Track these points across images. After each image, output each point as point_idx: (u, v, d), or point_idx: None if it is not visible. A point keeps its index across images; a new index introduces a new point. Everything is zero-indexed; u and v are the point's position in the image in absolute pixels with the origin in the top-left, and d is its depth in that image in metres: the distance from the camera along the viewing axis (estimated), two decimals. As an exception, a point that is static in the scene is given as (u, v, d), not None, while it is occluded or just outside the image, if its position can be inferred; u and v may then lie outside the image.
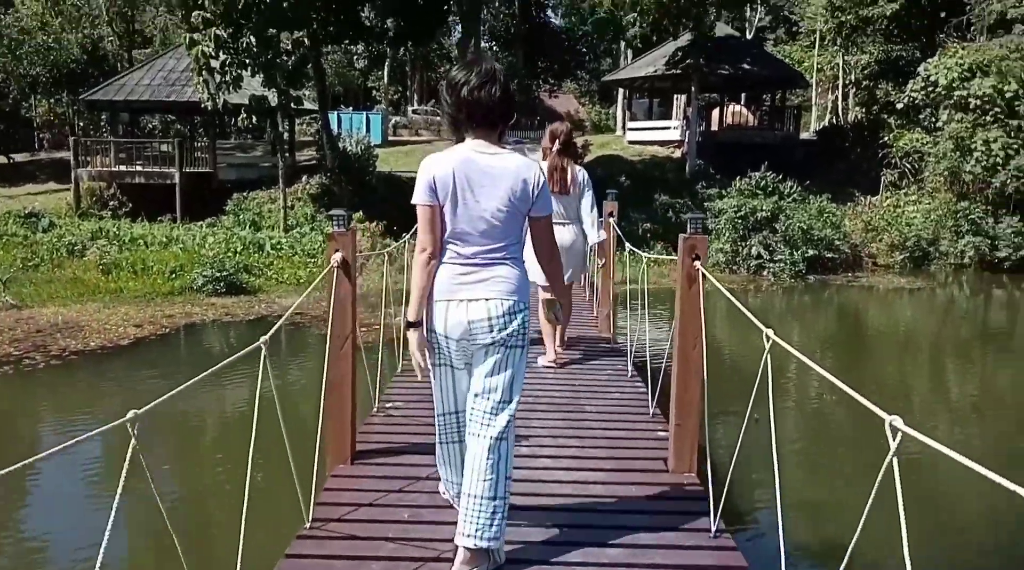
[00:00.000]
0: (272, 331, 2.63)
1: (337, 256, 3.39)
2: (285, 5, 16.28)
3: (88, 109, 27.54)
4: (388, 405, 4.56)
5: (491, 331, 2.65)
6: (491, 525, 2.56)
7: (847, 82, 34.60)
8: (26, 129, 32.49)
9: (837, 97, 36.18)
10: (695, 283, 3.28)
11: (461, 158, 2.67)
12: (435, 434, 2.97)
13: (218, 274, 14.29)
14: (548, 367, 5.52)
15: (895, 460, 1.52)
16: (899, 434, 1.52)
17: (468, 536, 2.57)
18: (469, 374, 2.76)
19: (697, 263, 3.24)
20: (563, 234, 5.45)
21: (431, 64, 43.62)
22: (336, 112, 30.93)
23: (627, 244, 6.07)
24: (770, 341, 2.32)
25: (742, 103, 30.83)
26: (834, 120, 34.34)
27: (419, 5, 20.38)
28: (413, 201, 2.71)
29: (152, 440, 6.93)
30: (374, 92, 43.38)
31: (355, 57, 38.50)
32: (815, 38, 34.57)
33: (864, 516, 1.71)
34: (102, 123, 28.16)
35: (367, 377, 4.27)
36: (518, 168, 2.68)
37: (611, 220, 6.80)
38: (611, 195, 7.08)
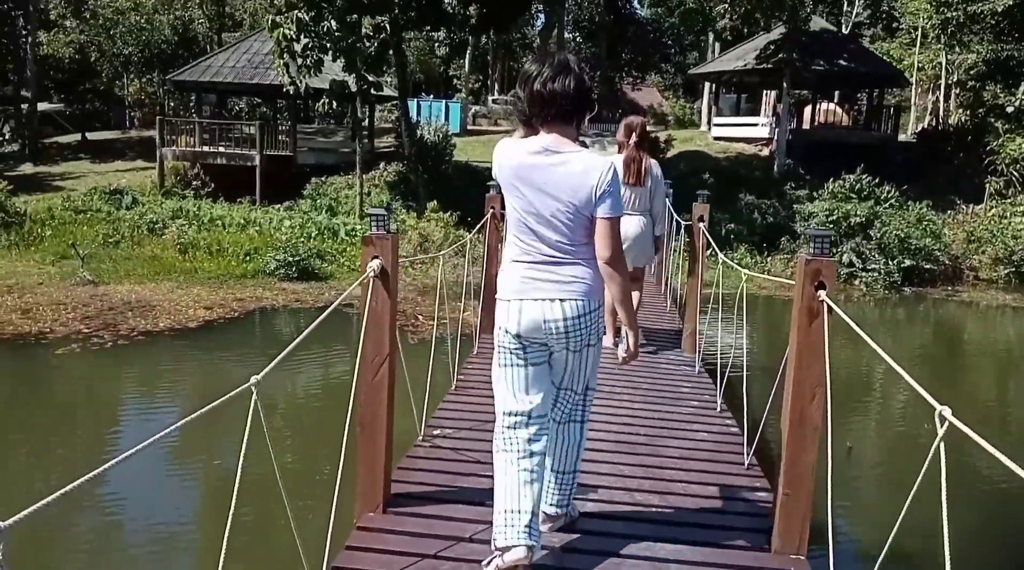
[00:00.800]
0: (270, 367, 2.09)
1: (375, 264, 2.76)
2: (366, -12, 16.02)
3: (176, 89, 28.00)
4: (436, 432, 3.88)
5: (566, 334, 2.58)
6: (568, 495, 2.89)
7: (950, 82, 32.55)
8: (119, 107, 33.44)
9: (939, 98, 34.10)
10: (817, 318, 2.56)
11: (522, 155, 2.58)
12: (493, 444, 2.71)
13: (291, 259, 14.15)
14: (618, 380, 5.09)
15: None
16: None
17: (550, 505, 2.86)
18: (540, 372, 2.68)
19: (822, 293, 2.55)
20: (630, 224, 5.47)
21: (513, 53, 43.04)
22: (416, 99, 30.68)
23: (720, 255, 5.36)
24: (945, 423, 1.64)
25: (835, 101, 29.34)
26: (935, 122, 32.41)
27: (502, -8, 19.86)
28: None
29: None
30: (455, 80, 43.06)
31: (436, 44, 38.18)
32: (916, 35, 32.60)
33: None
34: (191, 104, 28.60)
35: (410, 395, 3.63)
36: (583, 170, 2.53)
37: (701, 225, 6.10)
38: (702, 197, 6.39)
